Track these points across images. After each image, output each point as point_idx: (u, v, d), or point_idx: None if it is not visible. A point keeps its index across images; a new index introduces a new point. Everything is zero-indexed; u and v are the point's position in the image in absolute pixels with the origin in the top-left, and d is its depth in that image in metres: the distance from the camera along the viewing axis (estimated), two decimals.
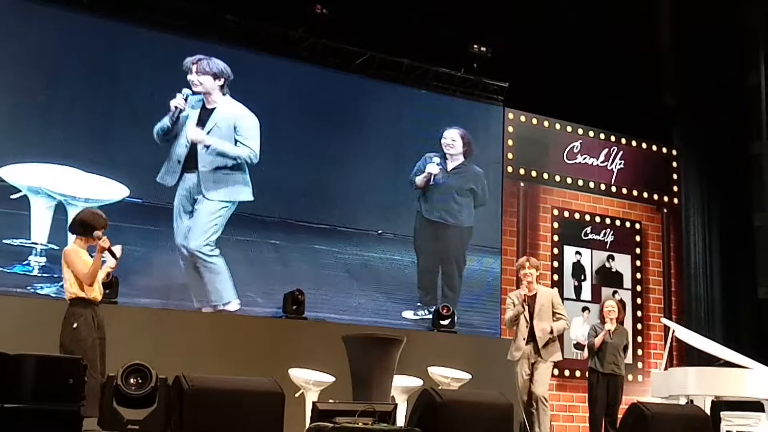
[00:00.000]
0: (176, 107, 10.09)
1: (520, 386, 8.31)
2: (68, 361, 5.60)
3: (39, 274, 9.33)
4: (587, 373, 9.50)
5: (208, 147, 10.23)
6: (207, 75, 10.30)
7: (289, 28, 10.90)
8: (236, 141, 10.39)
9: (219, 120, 10.34)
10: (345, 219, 10.99)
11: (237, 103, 10.46)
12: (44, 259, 9.36)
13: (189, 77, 10.23)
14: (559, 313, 8.45)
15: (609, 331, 9.16)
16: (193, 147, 10.20)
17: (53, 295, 9.03)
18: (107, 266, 6.94)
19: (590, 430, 9.36)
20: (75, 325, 6.63)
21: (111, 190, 9.80)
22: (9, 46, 9.41)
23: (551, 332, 8.30)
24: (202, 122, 10.26)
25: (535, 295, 8.43)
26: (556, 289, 8.68)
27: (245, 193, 10.39)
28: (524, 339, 8.35)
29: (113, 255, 6.84)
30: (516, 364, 8.37)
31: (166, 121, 10.08)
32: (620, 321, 9.49)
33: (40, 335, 6.84)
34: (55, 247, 9.17)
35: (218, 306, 10.06)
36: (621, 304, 9.96)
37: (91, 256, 6.81)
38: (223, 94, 10.37)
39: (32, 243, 9.39)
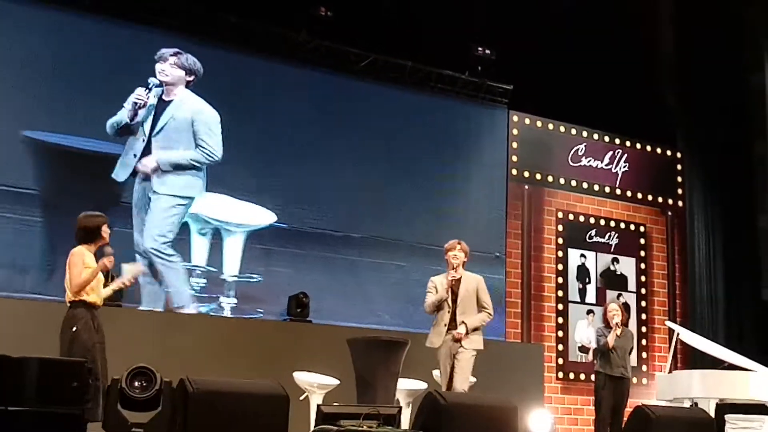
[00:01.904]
0: (138, 101, 9.94)
1: (440, 379, 7.94)
2: (72, 364, 5.60)
3: (199, 294, 9.99)
4: (593, 377, 9.43)
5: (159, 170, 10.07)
6: (181, 69, 10.22)
7: (292, 31, 10.90)
8: (195, 137, 10.25)
9: (175, 112, 10.19)
10: (337, 222, 10.99)
11: (197, 98, 10.31)
12: (204, 280, 10.05)
13: (159, 66, 10.10)
14: (484, 303, 8.00)
15: (617, 324, 9.06)
16: (149, 142, 10.07)
17: (212, 314, 9.87)
18: (118, 282, 6.98)
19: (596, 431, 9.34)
20: (74, 328, 6.63)
21: (260, 216, 10.49)
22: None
23: (467, 333, 7.80)
24: (157, 115, 10.08)
25: (460, 279, 7.96)
26: (482, 277, 8.24)
27: (197, 188, 10.27)
28: (445, 325, 7.87)
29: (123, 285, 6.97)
30: (437, 352, 7.91)
31: (123, 116, 9.92)
32: (624, 323, 9.45)
33: (42, 339, 6.83)
34: (213, 269, 10.15)
35: (178, 308, 9.93)
36: (624, 306, 9.89)
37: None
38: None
39: (193, 265, 10.11)
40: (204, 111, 10.32)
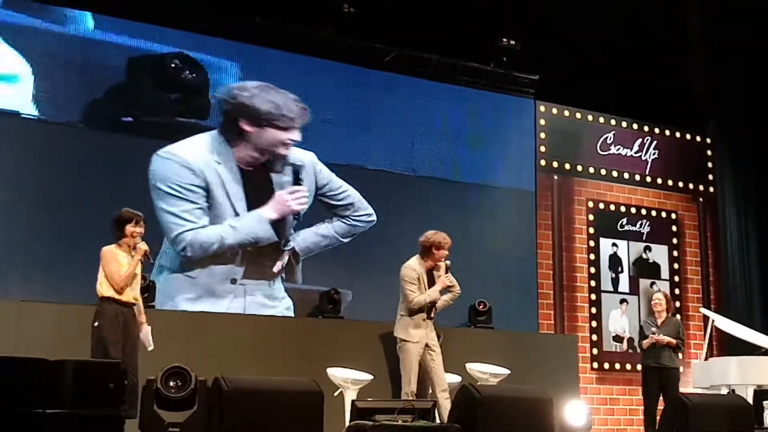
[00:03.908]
0: None
1: (413, 374, 7.83)
2: (108, 366, 5.65)
3: None
4: (640, 366, 9.49)
5: None
6: None
7: (316, 29, 10.91)
8: None
9: None
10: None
11: None
12: None
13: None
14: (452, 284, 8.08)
15: (654, 333, 9.08)
16: None
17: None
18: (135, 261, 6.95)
19: (644, 422, 9.33)
20: (96, 324, 6.74)
21: None
22: None
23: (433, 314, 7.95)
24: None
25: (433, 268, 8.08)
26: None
27: None
28: (424, 319, 7.96)
29: (149, 259, 6.95)
30: (407, 348, 7.90)
31: None
32: (670, 312, 9.42)
33: (80, 341, 6.91)
34: None
35: None
36: (668, 295, 9.84)
37: (147, 255, 6.97)
38: None
39: None
40: None
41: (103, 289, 6.84)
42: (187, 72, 10.18)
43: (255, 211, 10.05)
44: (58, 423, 5.12)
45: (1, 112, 9.26)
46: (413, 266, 8.11)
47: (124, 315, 6.85)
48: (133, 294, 6.96)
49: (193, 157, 9.86)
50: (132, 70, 9.97)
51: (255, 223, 10.01)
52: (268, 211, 10.06)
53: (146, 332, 7.07)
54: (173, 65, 10.16)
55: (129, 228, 6.93)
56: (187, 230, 9.67)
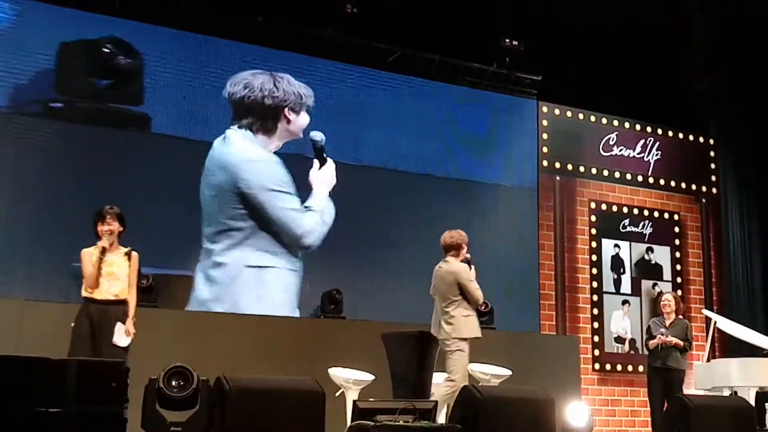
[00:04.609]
0: None
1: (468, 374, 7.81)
2: (111, 365, 5.65)
3: None
4: (643, 368, 9.50)
5: None
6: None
7: (318, 29, 10.92)
8: None
9: None
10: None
11: None
12: None
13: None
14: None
15: (662, 334, 9.05)
16: None
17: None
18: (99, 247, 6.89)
19: (651, 424, 9.32)
20: (73, 324, 6.76)
21: None
22: None
23: None
24: None
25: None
26: None
27: None
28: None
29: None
30: (467, 345, 7.77)
31: None
32: (679, 314, 9.39)
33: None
34: None
35: None
36: (678, 297, 9.80)
37: (128, 254, 6.93)
38: None
39: None
40: None
41: (82, 289, 6.89)
42: (122, 57, 10.06)
43: (319, 192, 10.40)
44: (60, 422, 5.13)
45: None
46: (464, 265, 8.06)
47: (100, 313, 6.78)
48: (113, 291, 6.87)
49: (268, 153, 10.23)
50: (64, 55, 9.80)
51: (327, 204, 10.42)
52: (325, 191, 10.41)
53: (119, 327, 6.97)
54: (106, 50, 10.01)
55: (99, 227, 6.91)
56: (308, 221, 10.21)
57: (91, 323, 6.76)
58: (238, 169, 10.04)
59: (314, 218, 10.31)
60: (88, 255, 6.86)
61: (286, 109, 10.39)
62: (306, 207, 10.28)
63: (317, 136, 10.32)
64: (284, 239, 10.19)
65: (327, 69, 10.98)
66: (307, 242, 10.22)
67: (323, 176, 10.38)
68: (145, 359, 7.00)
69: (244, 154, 10.13)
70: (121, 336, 6.91)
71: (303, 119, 10.48)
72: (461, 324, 7.76)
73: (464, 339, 7.76)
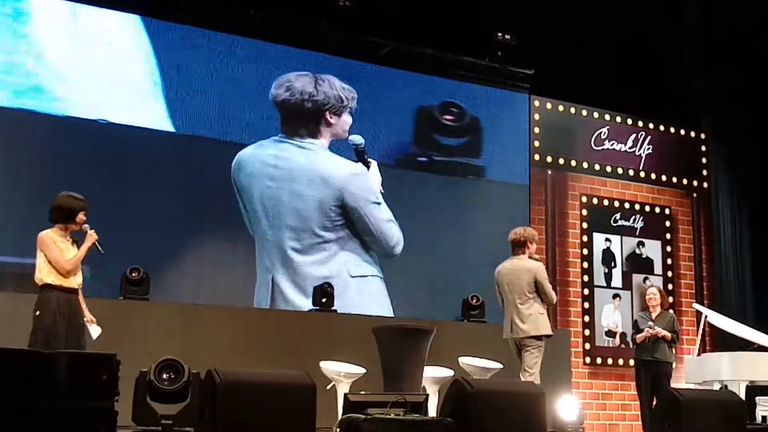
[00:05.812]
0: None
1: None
2: (101, 358, 5.63)
3: None
4: (633, 361, 9.50)
5: None
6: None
7: (311, 22, 10.90)
8: None
9: None
10: None
11: None
12: None
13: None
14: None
15: (651, 327, 9.06)
16: None
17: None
18: (84, 248, 6.73)
19: (641, 418, 9.34)
20: (38, 313, 6.51)
21: None
22: None
23: None
24: None
25: None
26: None
27: None
28: None
29: (98, 249, 6.77)
30: (545, 342, 7.86)
31: None
32: (664, 307, 9.42)
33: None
34: None
35: None
36: (662, 290, 9.83)
37: (75, 243, 6.73)
38: None
39: None
40: None
41: (44, 275, 6.58)
42: None
43: (380, 197, 10.58)
44: (50, 415, 5.11)
45: None
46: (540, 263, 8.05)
47: (68, 302, 6.61)
48: (78, 281, 6.73)
49: (358, 164, 10.48)
50: None
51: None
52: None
53: (90, 319, 6.88)
54: None
55: (81, 216, 6.73)
56: (396, 231, 10.54)
57: (62, 313, 6.54)
58: (344, 182, 10.29)
59: (397, 227, 10.54)
60: (54, 239, 6.63)
61: (327, 112, 10.49)
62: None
63: (357, 139, 10.45)
64: (374, 248, 10.46)
65: (319, 62, 10.96)
66: (397, 251, 10.47)
67: (374, 180, 10.52)
68: (136, 352, 7.00)
69: (347, 168, 10.37)
70: (94, 328, 6.84)
71: (345, 121, 10.60)
72: (540, 322, 7.78)
73: (546, 336, 7.80)
